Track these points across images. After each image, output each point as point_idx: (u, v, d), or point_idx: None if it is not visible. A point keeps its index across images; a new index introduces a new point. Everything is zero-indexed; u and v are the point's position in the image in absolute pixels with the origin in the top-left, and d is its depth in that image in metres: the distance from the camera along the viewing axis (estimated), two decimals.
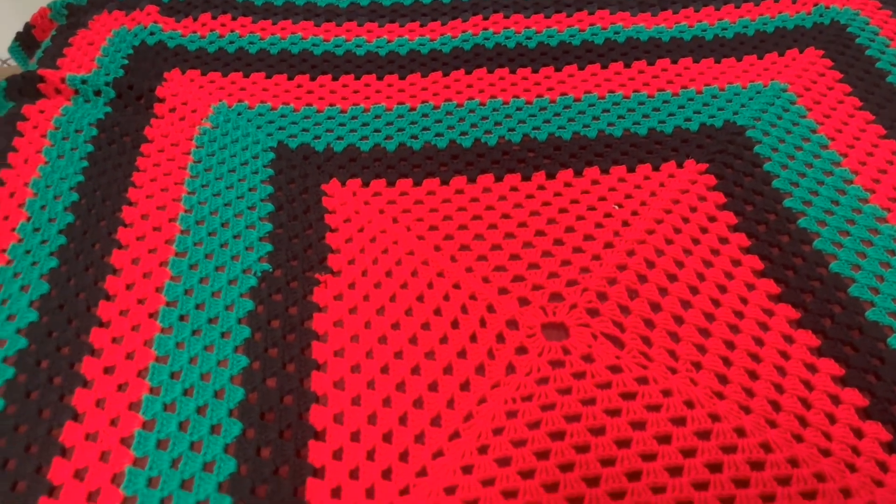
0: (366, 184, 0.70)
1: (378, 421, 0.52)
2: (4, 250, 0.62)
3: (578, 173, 0.71)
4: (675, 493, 0.48)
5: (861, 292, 0.59)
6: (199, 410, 0.52)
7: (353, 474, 0.49)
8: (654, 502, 0.47)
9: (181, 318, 0.58)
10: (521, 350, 0.57)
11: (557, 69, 0.83)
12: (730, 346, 0.56)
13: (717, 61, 0.84)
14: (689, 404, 0.53)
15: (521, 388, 0.54)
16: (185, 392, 0.53)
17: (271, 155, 0.73)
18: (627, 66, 0.83)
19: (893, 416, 0.52)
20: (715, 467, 0.49)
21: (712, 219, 0.66)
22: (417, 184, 0.70)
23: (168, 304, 0.59)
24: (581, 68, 0.83)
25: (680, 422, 0.52)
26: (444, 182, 0.71)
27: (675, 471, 0.49)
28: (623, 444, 0.51)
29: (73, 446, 0.50)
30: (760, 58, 0.84)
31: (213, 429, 0.51)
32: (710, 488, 0.48)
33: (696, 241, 0.64)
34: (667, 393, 0.53)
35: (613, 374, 0.55)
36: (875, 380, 0.54)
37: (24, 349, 0.55)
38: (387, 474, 0.49)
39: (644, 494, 0.48)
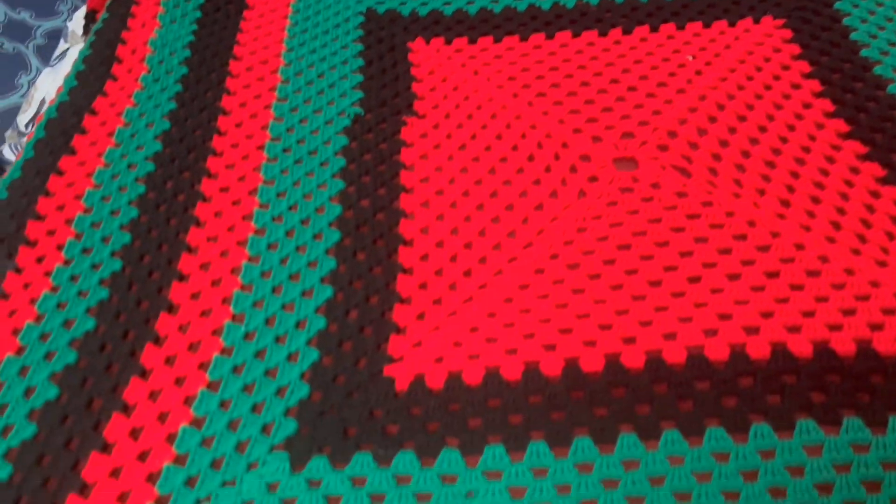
0: (448, 41, 0.75)
1: (461, 232, 0.58)
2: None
3: (654, 29, 0.73)
4: (732, 294, 0.52)
5: None
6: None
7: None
8: (711, 301, 0.52)
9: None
10: (593, 179, 0.61)
11: None
12: (794, 175, 0.59)
13: None
14: (751, 223, 0.56)
15: (592, 209, 0.58)
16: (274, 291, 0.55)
17: (360, 19, 0.78)
18: None
19: None
20: (772, 274, 0.53)
21: (786, 67, 0.68)
22: (497, 41, 0.74)
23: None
24: None
25: (741, 237, 0.55)
26: (523, 39, 0.74)
27: (734, 276, 0.53)
28: (686, 254, 0.55)
29: (151, 369, 0.50)
30: None
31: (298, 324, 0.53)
32: (767, 291, 0.52)
33: (767, 87, 0.66)
34: (730, 214, 0.57)
35: (679, 199, 0.58)
36: None
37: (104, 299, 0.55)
38: (469, 273, 0.55)
39: (702, 294, 0.52)
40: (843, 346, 0.48)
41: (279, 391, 0.49)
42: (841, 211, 0.57)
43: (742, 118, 0.64)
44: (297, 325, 0.53)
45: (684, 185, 0.59)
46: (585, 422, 0.46)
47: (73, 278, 0.56)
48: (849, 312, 0.50)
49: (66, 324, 0.53)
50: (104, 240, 0.59)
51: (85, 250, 0.58)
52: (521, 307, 0.53)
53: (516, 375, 0.49)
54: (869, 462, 0.43)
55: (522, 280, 0.54)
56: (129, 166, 0.64)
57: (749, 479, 0.43)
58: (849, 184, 0.58)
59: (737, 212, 0.57)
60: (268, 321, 0.53)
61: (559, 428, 0.46)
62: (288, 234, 0.59)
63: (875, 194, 0.58)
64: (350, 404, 0.48)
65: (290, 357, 0.51)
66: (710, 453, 0.44)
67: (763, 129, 0.63)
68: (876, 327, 0.49)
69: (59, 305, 0.54)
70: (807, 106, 0.64)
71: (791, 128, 0.63)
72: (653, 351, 0.49)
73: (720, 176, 0.60)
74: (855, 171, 0.59)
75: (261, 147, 0.66)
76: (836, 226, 0.56)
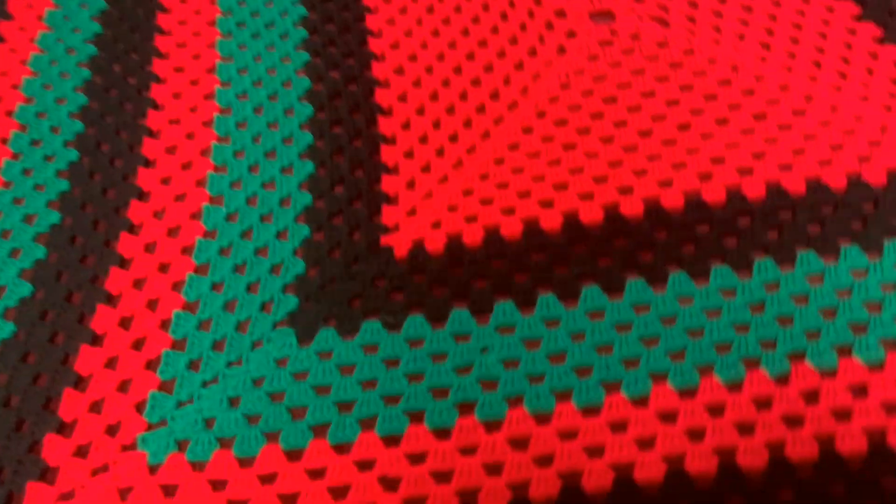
0: None
1: (441, 97, 0.55)
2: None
3: None
4: (722, 138, 0.51)
5: None
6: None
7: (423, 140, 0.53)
8: (702, 146, 0.51)
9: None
10: (571, 34, 0.59)
11: None
12: (772, 18, 0.58)
13: None
14: (734, 68, 0.55)
15: (573, 64, 0.56)
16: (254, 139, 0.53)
17: None
18: None
19: None
20: (759, 116, 0.52)
21: None
22: None
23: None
24: None
25: (726, 83, 0.54)
26: None
27: (722, 121, 0.52)
28: (672, 102, 0.54)
29: (131, 258, 0.47)
30: None
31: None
32: (755, 132, 0.51)
33: None
34: (712, 60, 0.56)
35: (660, 49, 0.57)
36: None
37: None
38: (454, 138, 0.53)
39: (693, 140, 0.51)
40: (835, 180, 0.49)
41: (273, 269, 0.47)
42: (820, 50, 0.56)
43: None
44: (281, 202, 0.50)
45: (664, 34, 0.58)
46: (590, 272, 0.46)
47: (25, 172, 0.51)
48: (836, 147, 0.51)
49: (27, 219, 0.49)
50: (53, 129, 0.53)
51: (34, 142, 0.53)
52: (513, 166, 0.51)
53: (516, 233, 0.48)
54: (869, 286, 0.44)
55: (511, 140, 0.52)
56: (68, 50, 0.58)
57: (756, 312, 0.44)
58: (825, 22, 0.58)
59: (718, 58, 0.56)
60: (248, 201, 0.50)
61: (566, 280, 0.46)
62: (256, 110, 0.55)
63: (852, 32, 0.57)
64: (350, 275, 0.46)
65: (278, 235, 0.48)
66: (718, 290, 0.45)
67: None
68: (864, 159, 0.50)
69: (14, 201, 0.50)
70: None
71: None
72: (650, 198, 0.49)
73: (698, 23, 0.58)
74: (830, 9, 0.59)
75: (211, 23, 0.60)
76: (817, 65, 0.55)
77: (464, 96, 0.55)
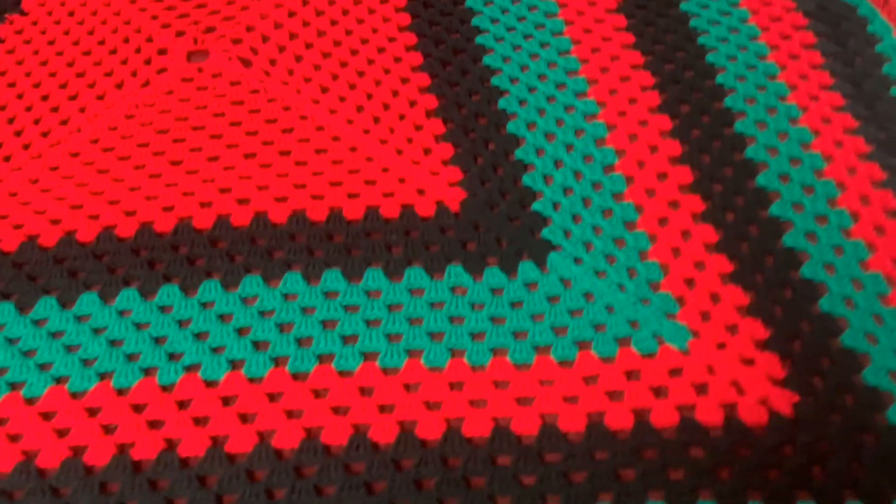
0: None
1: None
2: None
3: None
4: (250, 168, 0.57)
5: None
6: None
7: None
8: (227, 176, 0.57)
9: None
10: (162, 70, 0.64)
11: None
12: (343, 65, 0.64)
13: None
14: (287, 108, 0.61)
15: (148, 98, 0.62)
16: None
17: None
18: None
19: None
20: (285, 153, 0.58)
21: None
22: None
23: None
24: None
25: (273, 121, 0.60)
26: None
27: (251, 155, 0.58)
28: (216, 136, 0.59)
29: None
30: None
31: None
32: (279, 164, 0.57)
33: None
34: (272, 100, 0.61)
35: (231, 87, 0.63)
36: None
37: None
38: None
39: (218, 169, 0.57)
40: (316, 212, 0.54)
41: None
42: (386, 107, 0.61)
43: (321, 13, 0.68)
44: None
45: (242, 74, 0.63)
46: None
47: None
48: (335, 183, 0.56)
49: None
50: None
51: None
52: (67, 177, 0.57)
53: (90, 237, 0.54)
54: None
55: (59, 163, 0.58)
56: None
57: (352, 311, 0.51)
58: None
59: (278, 98, 0.61)
60: None
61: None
62: None
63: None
64: None
65: None
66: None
67: (338, 44, 0.66)
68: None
69: None
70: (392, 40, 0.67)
71: (364, 41, 0.66)
72: (185, 217, 0.55)
73: (278, 66, 0.64)
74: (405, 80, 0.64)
75: None
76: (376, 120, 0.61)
77: (38, 121, 0.61)
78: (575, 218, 0.54)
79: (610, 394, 0.46)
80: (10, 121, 0.61)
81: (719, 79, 0.60)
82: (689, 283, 0.50)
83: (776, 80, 0.60)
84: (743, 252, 0.51)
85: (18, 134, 0.60)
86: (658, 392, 0.46)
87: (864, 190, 0.53)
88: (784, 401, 0.45)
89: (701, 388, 0.46)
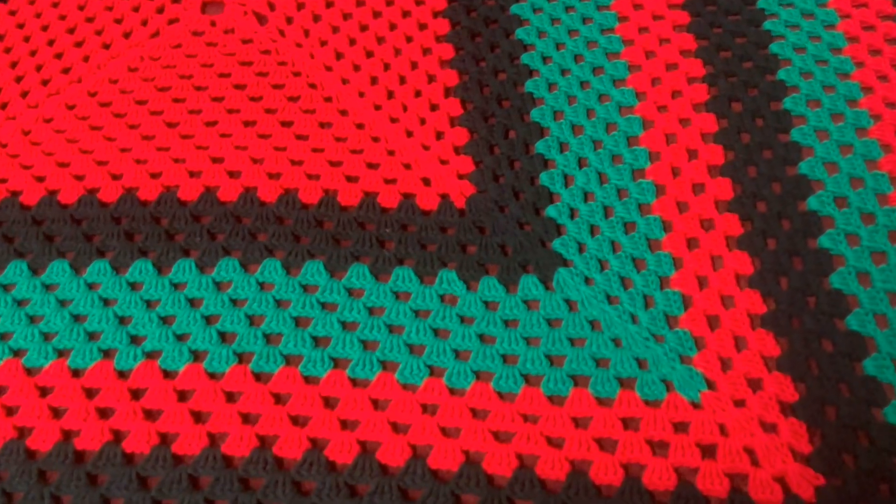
0: None
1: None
2: None
3: None
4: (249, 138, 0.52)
5: None
6: None
7: None
8: (222, 144, 0.52)
9: None
10: (173, 21, 0.60)
11: None
12: (363, 28, 0.58)
13: None
14: (297, 73, 0.56)
15: (156, 50, 0.58)
16: None
17: None
18: None
19: None
20: (286, 123, 0.53)
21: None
22: None
23: None
24: None
25: (279, 87, 0.55)
26: None
27: (250, 123, 0.53)
28: (217, 99, 0.55)
29: None
30: None
31: None
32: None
33: None
34: (282, 63, 0.56)
35: (243, 45, 0.58)
36: None
37: None
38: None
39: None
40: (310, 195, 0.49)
41: None
42: (402, 80, 0.55)
43: None
44: None
45: (255, 31, 0.58)
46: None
47: None
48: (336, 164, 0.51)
49: None
50: None
51: None
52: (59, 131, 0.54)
53: (72, 199, 0.51)
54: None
55: (54, 114, 0.55)
56: None
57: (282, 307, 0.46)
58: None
59: (289, 62, 0.56)
60: None
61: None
62: None
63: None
64: None
65: None
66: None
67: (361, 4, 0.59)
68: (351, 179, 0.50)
69: None
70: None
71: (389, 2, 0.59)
72: (171, 187, 0.51)
73: (294, 25, 0.59)
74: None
75: None
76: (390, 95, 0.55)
77: (39, 68, 0.58)
78: (593, 229, 0.47)
79: (601, 441, 0.40)
80: (13, 65, 0.58)
81: (781, 74, 0.51)
82: (713, 321, 0.43)
83: (849, 79, 0.50)
84: (781, 291, 0.43)
85: (19, 80, 0.57)
86: (657, 448, 0.40)
87: None
88: (806, 482, 0.37)
89: (708, 451, 0.39)
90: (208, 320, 0.46)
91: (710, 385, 0.41)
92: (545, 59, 0.54)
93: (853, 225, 0.44)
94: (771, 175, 0.46)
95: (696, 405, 0.40)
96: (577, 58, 0.53)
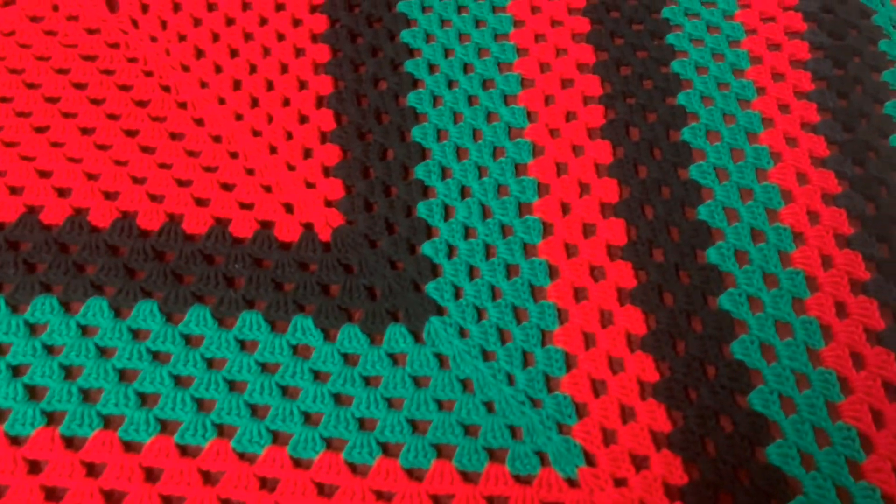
0: None
1: None
2: None
3: None
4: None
5: None
6: None
7: None
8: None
9: None
10: (8, 2, 0.51)
11: None
12: (230, 22, 0.50)
13: None
14: (149, 73, 0.48)
15: None
16: None
17: None
18: None
19: None
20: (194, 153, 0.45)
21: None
22: None
23: None
24: None
25: (126, 88, 0.47)
26: None
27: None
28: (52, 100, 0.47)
29: None
30: None
31: None
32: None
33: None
34: (132, 60, 0.49)
35: (88, 36, 0.50)
36: None
37: None
38: None
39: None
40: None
41: None
42: (269, 86, 0.48)
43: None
44: None
45: (104, 20, 0.50)
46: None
47: None
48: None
49: None
50: None
51: None
52: None
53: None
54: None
55: None
56: None
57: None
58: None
59: (140, 58, 0.49)
60: None
61: None
62: None
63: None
64: None
65: None
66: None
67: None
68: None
69: None
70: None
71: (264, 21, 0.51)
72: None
73: (150, 15, 0.51)
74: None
75: None
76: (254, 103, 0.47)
77: None
78: (472, 271, 0.41)
79: None
80: None
81: (681, 98, 0.46)
82: (599, 387, 0.38)
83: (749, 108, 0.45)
84: (679, 356, 0.38)
85: None
86: None
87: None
88: None
89: None
90: (71, 372, 0.39)
91: (590, 460, 0.36)
92: (432, 68, 0.47)
93: (755, 287, 0.39)
94: (668, 217, 0.41)
95: (571, 482, 0.35)
96: (466, 67, 0.47)
